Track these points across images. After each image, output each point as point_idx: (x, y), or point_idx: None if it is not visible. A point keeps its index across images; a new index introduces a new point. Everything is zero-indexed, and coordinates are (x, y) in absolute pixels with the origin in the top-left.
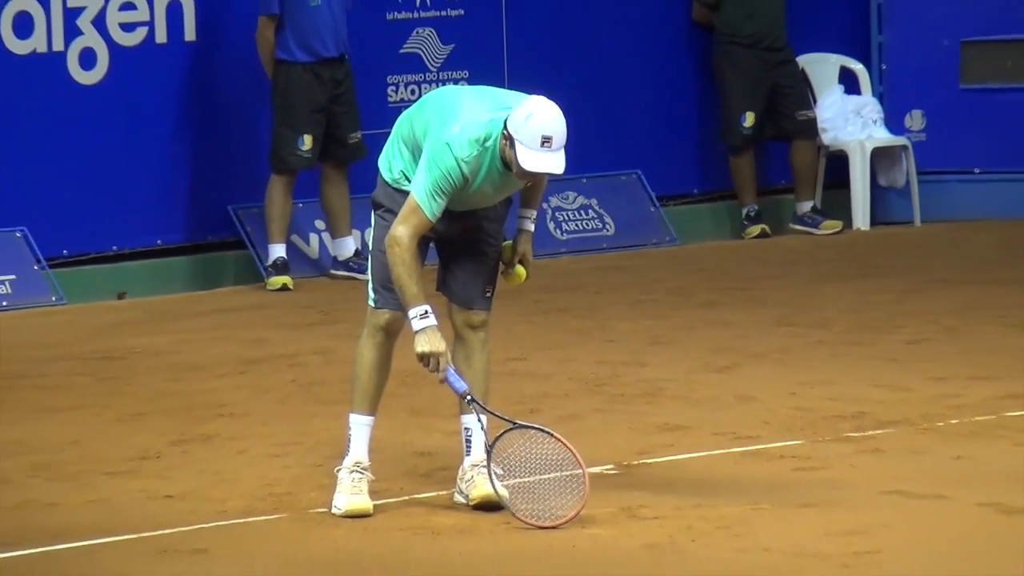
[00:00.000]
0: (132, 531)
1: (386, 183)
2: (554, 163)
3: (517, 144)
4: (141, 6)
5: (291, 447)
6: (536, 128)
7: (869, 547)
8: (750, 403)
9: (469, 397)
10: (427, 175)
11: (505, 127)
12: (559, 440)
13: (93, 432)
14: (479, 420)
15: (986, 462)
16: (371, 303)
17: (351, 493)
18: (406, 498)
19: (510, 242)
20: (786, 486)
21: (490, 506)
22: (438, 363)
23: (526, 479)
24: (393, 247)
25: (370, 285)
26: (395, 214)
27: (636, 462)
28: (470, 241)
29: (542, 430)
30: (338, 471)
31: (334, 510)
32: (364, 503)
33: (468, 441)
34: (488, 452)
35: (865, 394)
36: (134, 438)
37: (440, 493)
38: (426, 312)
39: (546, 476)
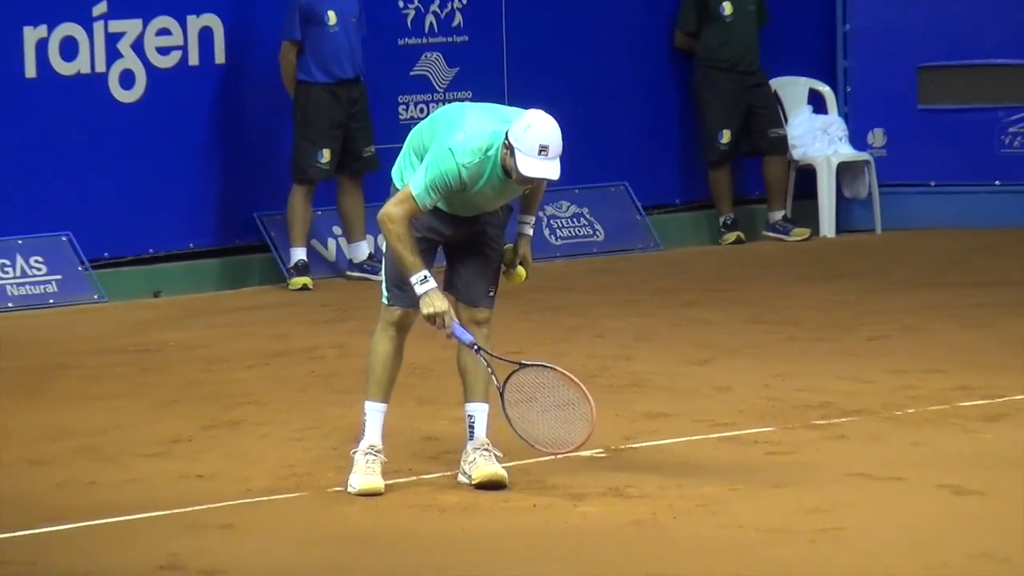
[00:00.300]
0: (165, 507)
1: (398, 191)
2: (550, 169)
3: (517, 153)
4: (176, 31)
5: (310, 432)
6: (534, 138)
7: (834, 524)
8: (727, 393)
9: (476, 346)
10: (427, 172)
11: (506, 137)
12: (564, 374)
13: (130, 417)
14: (482, 403)
15: (940, 447)
16: (384, 301)
17: (365, 473)
18: (414, 478)
19: (511, 246)
20: (759, 469)
21: (491, 485)
22: (444, 320)
23: (538, 409)
24: (387, 223)
25: (384, 284)
26: None
27: (623, 446)
28: (475, 245)
29: (547, 366)
30: (354, 453)
31: (349, 488)
32: (376, 482)
33: (471, 427)
34: (500, 394)
35: (831, 385)
36: (168, 423)
37: (445, 474)
38: (425, 277)
39: (556, 406)
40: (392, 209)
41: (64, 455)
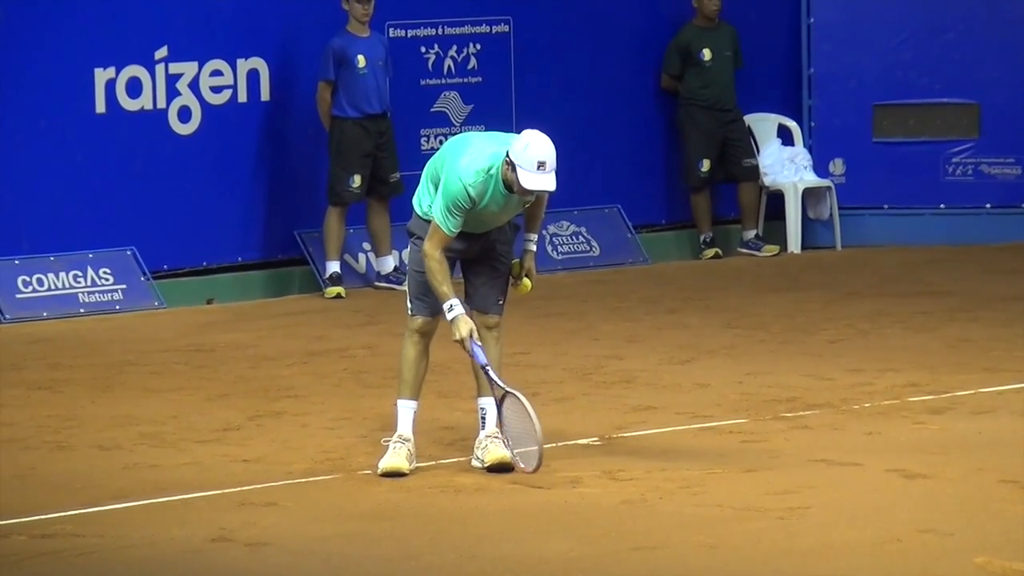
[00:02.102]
0: (218, 487)
1: (418, 216)
2: (548, 182)
3: (518, 168)
4: (227, 73)
5: (343, 422)
6: (533, 155)
7: (800, 503)
8: (705, 389)
9: (488, 367)
10: (442, 200)
11: (507, 156)
12: (531, 416)
13: (187, 408)
14: (492, 399)
15: (891, 436)
16: (408, 311)
17: (390, 457)
18: (434, 463)
19: (518, 260)
20: (734, 455)
21: (501, 468)
22: (466, 345)
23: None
24: (426, 260)
25: (408, 297)
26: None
27: (615, 435)
28: (486, 260)
29: (521, 400)
30: (385, 442)
31: (378, 469)
32: (399, 463)
33: (483, 418)
34: (498, 407)
35: (796, 382)
36: (219, 413)
37: (461, 459)
38: (452, 306)
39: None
40: (427, 246)
41: (129, 441)
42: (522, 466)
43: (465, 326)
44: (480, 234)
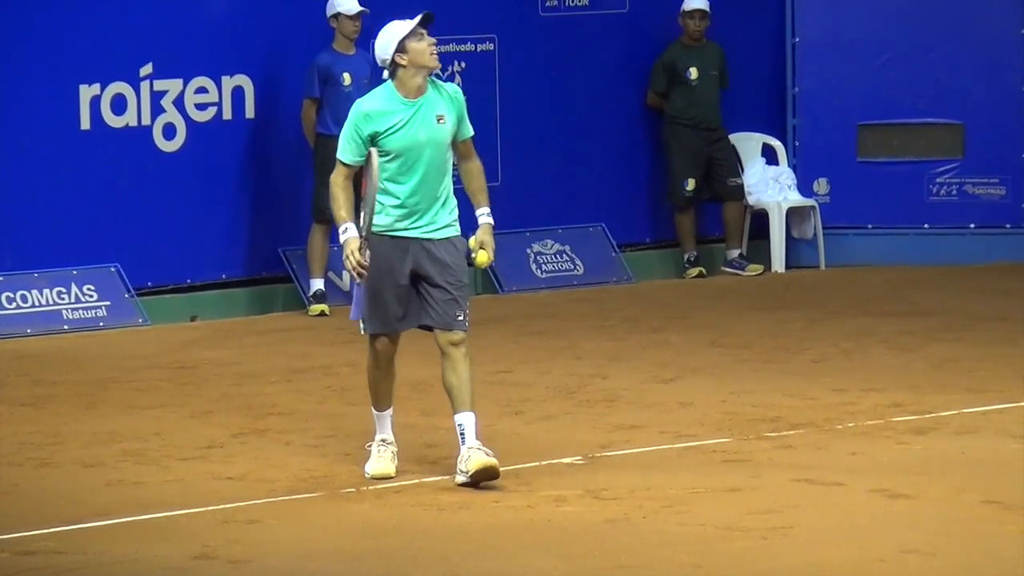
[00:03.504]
0: (201, 504)
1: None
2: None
3: (404, 41)
4: (212, 90)
5: (327, 439)
6: (394, 24)
7: (783, 523)
8: (689, 408)
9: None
10: (343, 131)
11: (393, 56)
12: None
13: (171, 425)
14: (469, 413)
15: (874, 456)
16: (362, 331)
17: (377, 461)
18: (417, 481)
19: (473, 236)
20: (717, 474)
21: (486, 474)
22: (349, 259)
23: None
24: (330, 188)
25: (360, 319)
26: (370, 264)
27: (599, 454)
28: (440, 276)
29: None
30: (368, 447)
31: (365, 474)
32: (387, 468)
33: (462, 435)
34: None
35: (780, 401)
36: (203, 431)
37: (444, 477)
38: (346, 228)
39: None
40: (331, 177)
41: (113, 458)
42: None
43: (352, 244)
44: (430, 242)
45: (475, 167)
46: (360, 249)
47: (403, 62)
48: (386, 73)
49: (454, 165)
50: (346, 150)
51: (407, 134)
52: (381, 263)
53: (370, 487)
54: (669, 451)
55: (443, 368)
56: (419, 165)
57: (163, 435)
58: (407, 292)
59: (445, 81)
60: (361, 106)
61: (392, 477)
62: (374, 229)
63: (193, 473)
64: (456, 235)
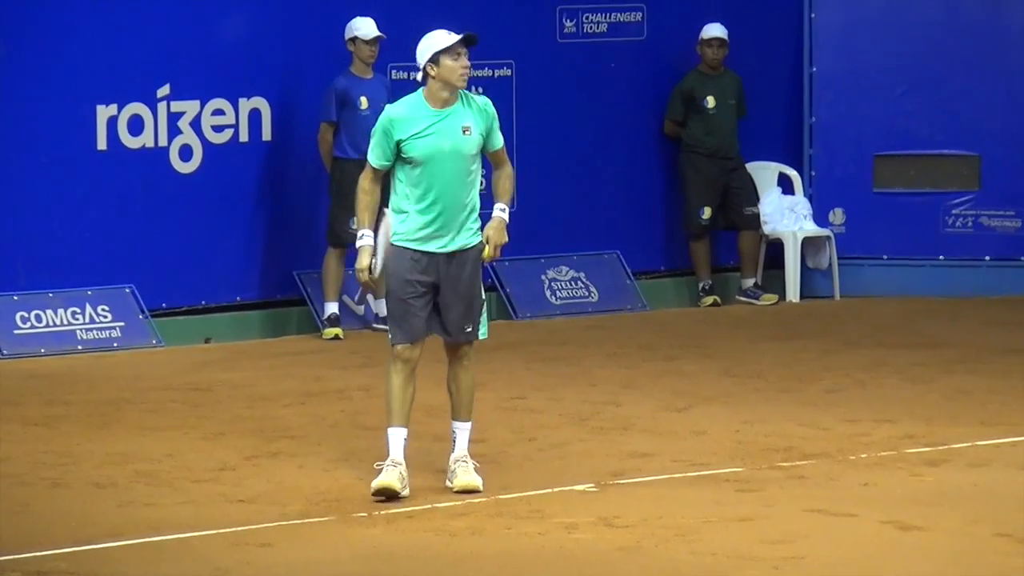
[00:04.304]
0: (213, 527)
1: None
2: (458, 35)
3: (438, 54)
4: (229, 112)
5: (340, 463)
6: (437, 34)
7: (794, 553)
8: (702, 437)
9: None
10: (372, 139)
11: (425, 67)
12: None
13: (184, 447)
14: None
15: (887, 488)
16: (390, 340)
17: (384, 475)
18: (428, 506)
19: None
20: (729, 503)
21: (468, 491)
22: (361, 274)
23: None
24: (357, 191)
25: (389, 326)
26: (392, 273)
27: (612, 482)
28: (453, 285)
29: None
30: (378, 466)
31: (371, 488)
32: (390, 481)
33: (454, 441)
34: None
35: (793, 431)
36: (216, 453)
37: (456, 503)
38: (362, 235)
39: None
40: (360, 179)
41: (125, 479)
42: None
43: (363, 259)
44: (448, 256)
45: (506, 171)
46: (371, 266)
47: (433, 73)
48: (419, 76)
49: (484, 179)
50: (374, 152)
51: (430, 142)
52: (403, 273)
53: (382, 511)
54: (681, 479)
55: (447, 375)
56: (441, 174)
57: (176, 457)
58: (427, 301)
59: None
60: (389, 111)
61: (397, 493)
62: (395, 240)
63: (205, 495)
64: (476, 242)
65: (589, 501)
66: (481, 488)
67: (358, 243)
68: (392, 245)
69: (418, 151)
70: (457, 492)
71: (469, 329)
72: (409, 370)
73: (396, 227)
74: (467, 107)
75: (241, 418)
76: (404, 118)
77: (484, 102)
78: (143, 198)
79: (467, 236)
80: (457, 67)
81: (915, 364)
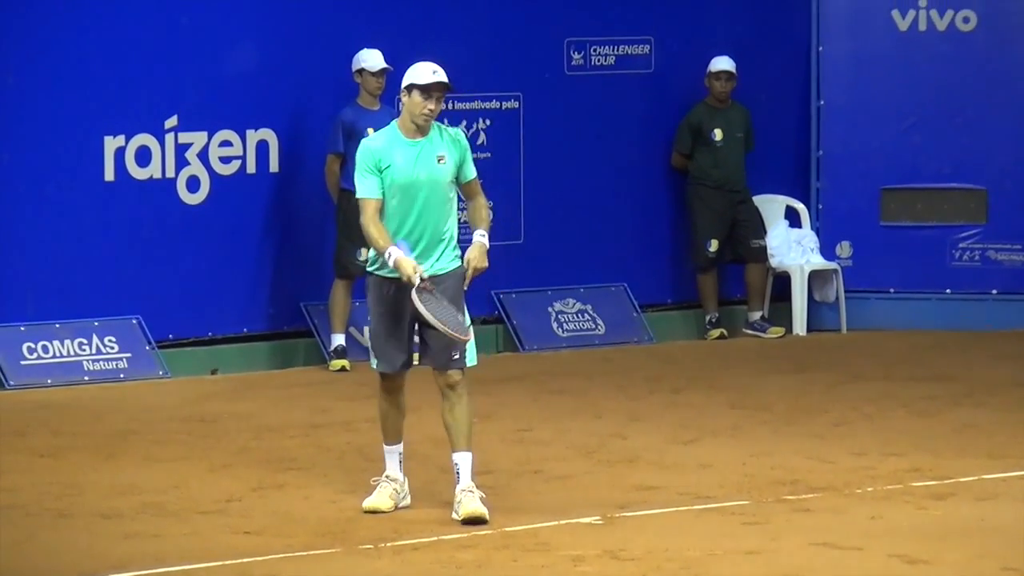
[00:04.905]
0: (219, 559)
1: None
2: (441, 76)
3: (412, 85)
4: (236, 143)
5: (346, 495)
6: (420, 67)
7: None
8: (708, 469)
9: (441, 323)
10: (355, 175)
11: (401, 94)
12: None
13: (190, 478)
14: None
15: (894, 521)
16: (373, 367)
17: (375, 496)
18: (435, 538)
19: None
20: (735, 536)
21: (474, 520)
22: (410, 278)
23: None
24: (364, 230)
25: (371, 355)
26: (370, 304)
27: (618, 514)
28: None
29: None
30: (374, 481)
31: (363, 505)
32: (379, 503)
33: (457, 473)
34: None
35: (799, 464)
36: (222, 484)
37: (462, 535)
38: (389, 252)
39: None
40: (361, 220)
41: (131, 510)
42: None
43: (407, 265)
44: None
45: (480, 202)
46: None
47: (404, 101)
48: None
49: (461, 210)
50: (363, 187)
51: (407, 172)
52: (386, 305)
53: (388, 543)
54: (688, 512)
55: (442, 408)
56: (418, 202)
57: (182, 488)
58: (410, 333)
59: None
60: (366, 143)
61: (384, 512)
62: (377, 272)
63: (211, 527)
64: (457, 266)
65: (595, 533)
66: (487, 518)
67: (391, 259)
68: (370, 275)
69: (395, 180)
70: (463, 523)
71: (456, 356)
72: (396, 395)
73: (374, 257)
74: (440, 137)
75: (247, 449)
76: (383, 149)
77: (456, 132)
78: (150, 229)
79: (446, 261)
80: (423, 106)
81: (922, 397)
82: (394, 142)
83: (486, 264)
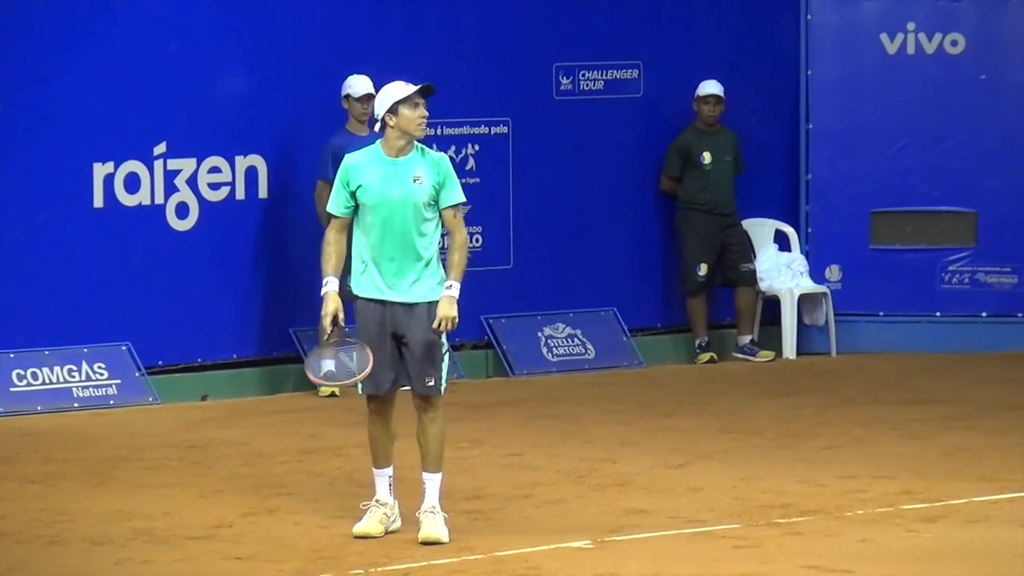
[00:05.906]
0: None
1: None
2: (414, 85)
3: (396, 104)
4: (225, 170)
5: (336, 520)
6: (396, 85)
7: None
8: (699, 493)
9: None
10: (333, 186)
11: (384, 116)
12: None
13: (181, 504)
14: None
15: (885, 544)
16: (359, 391)
17: (365, 521)
18: (425, 563)
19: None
20: (726, 560)
21: (431, 543)
22: (324, 320)
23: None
24: (324, 240)
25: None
26: (358, 326)
27: (608, 539)
28: (413, 334)
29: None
30: (364, 506)
31: (352, 531)
32: (369, 527)
33: (423, 492)
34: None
35: (790, 488)
36: (213, 510)
37: (453, 560)
38: (327, 282)
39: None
40: (325, 232)
41: (122, 536)
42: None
43: (329, 307)
44: (407, 307)
45: (458, 240)
46: (335, 314)
47: (391, 123)
48: (377, 127)
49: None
50: (334, 202)
51: (381, 189)
52: (368, 328)
53: (378, 568)
54: (678, 536)
55: (416, 426)
56: (391, 221)
57: (172, 514)
58: (393, 354)
59: (438, 151)
60: (346, 160)
61: (375, 537)
62: (360, 294)
63: (202, 553)
64: (434, 300)
65: (586, 558)
66: (445, 540)
67: (323, 290)
68: (357, 299)
69: (369, 198)
70: (421, 543)
71: (431, 383)
72: (384, 419)
73: (357, 278)
74: (421, 158)
75: (238, 475)
76: (359, 165)
77: (439, 157)
78: (139, 255)
79: (426, 289)
80: (415, 116)
81: (912, 420)
82: (374, 160)
83: (454, 314)
